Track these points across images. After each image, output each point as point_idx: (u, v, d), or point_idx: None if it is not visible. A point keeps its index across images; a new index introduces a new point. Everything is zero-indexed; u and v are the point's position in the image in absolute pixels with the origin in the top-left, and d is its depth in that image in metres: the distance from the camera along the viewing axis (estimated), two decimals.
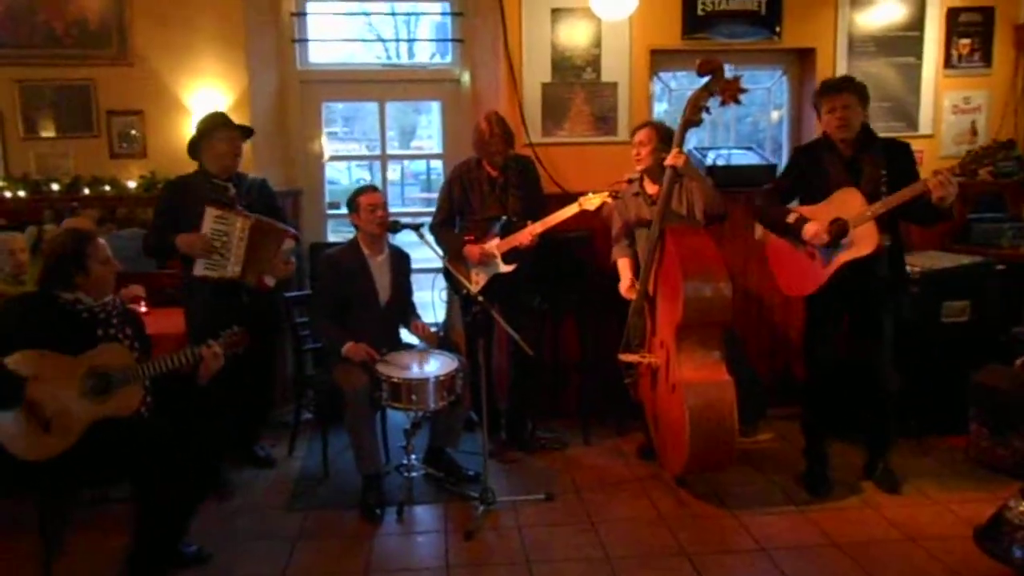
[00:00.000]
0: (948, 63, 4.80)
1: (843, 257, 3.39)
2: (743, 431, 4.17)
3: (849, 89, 3.41)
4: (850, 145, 3.42)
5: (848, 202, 3.34)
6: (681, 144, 3.53)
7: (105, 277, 2.90)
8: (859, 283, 3.41)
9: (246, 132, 3.83)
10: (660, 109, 4.99)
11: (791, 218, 3.53)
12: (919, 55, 4.76)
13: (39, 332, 2.72)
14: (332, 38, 5.13)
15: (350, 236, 3.97)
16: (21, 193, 4.39)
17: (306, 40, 4.88)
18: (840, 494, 3.61)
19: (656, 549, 3.17)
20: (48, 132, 4.48)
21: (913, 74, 4.77)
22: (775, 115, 5.13)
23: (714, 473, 3.66)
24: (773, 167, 4.68)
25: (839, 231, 3.34)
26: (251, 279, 3.65)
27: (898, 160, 3.39)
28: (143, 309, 3.95)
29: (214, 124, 3.71)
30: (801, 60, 4.89)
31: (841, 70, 4.67)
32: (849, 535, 3.24)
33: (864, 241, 3.33)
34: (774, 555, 3.10)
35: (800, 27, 4.67)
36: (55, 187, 4.40)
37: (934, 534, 3.23)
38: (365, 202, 3.76)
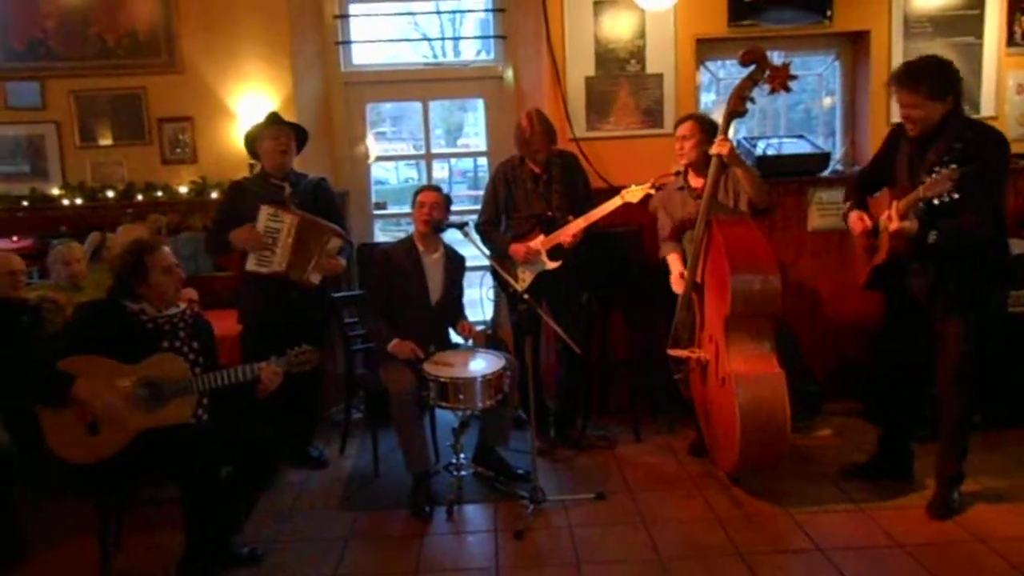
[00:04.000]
0: (1011, 41, 4.59)
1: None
2: (798, 427, 4.09)
3: (907, 86, 3.04)
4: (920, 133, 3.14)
5: (884, 203, 3.22)
6: (726, 133, 3.44)
7: (167, 286, 2.94)
8: (902, 287, 3.28)
9: (298, 131, 3.87)
10: (708, 99, 4.88)
11: (846, 206, 3.45)
12: (979, 34, 4.57)
13: (104, 339, 2.80)
14: (375, 39, 5.14)
15: (399, 236, 3.99)
16: (78, 200, 4.52)
17: (349, 42, 4.91)
18: (902, 492, 3.48)
19: (709, 549, 3.10)
20: (103, 140, 4.62)
21: (974, 54, 4.57)
22: (827, 101, 4.98)
23: (767, 470, 3.55)
24: (826, 155, 4.55)
25: (872, 231, 3.28)
26: (296, 274, 3.69)
27: (973, 152, 2.93)
28: (197, 308, 4.02)
29: (264, 123, 3.80)
30: (854, 43, 4.74)
31: (897, 53, 4.52)
32: (912, 535, 3.12)
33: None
34: (832, 556, 2.99)
35: (852, 9, 4.52)
36: (110, 194, 4.52)
37: (1003, 534, 3.09)
38: (418, 199, 3.82)
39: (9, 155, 4.62)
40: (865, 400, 4.42)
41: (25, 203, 4.54)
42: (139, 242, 2.98)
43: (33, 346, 3.10)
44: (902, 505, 3.38)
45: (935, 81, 3.02)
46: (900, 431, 3.56)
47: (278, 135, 3.77)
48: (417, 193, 3.85)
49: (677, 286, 3.71)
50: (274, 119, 3.83)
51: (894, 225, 3.00)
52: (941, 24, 4.55)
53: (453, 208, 3.98)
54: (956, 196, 2.85)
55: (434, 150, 5.29)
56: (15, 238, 4.47)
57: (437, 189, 3.88)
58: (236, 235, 3.66)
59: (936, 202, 2.88)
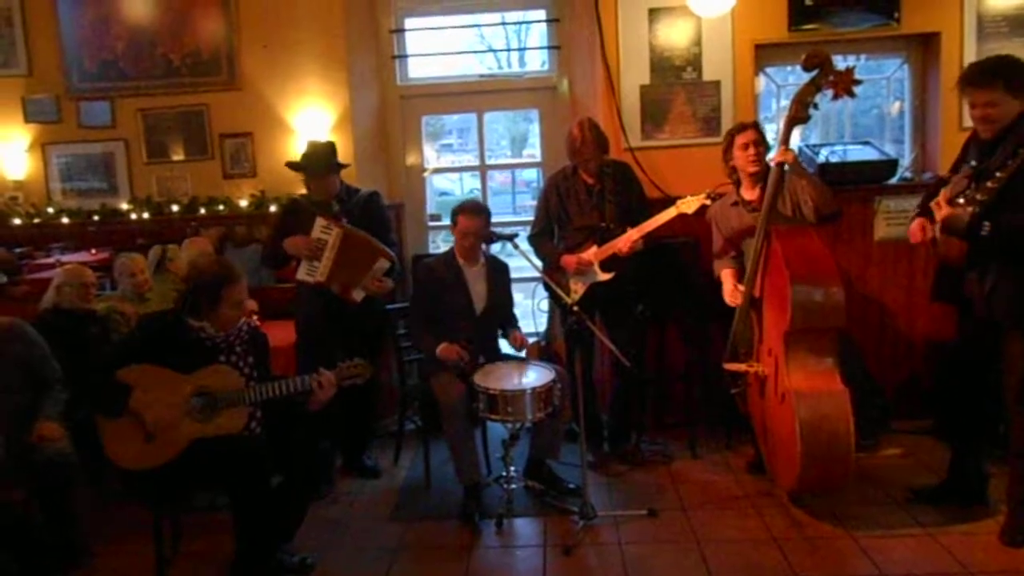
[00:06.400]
0: None
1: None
2: (863, 446, 3.92)
3: (981, 84, 2.88)
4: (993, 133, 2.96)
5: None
6: (787, 142, 3.33)
7: (232, 319, 2.98)
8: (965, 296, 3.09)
9: (337, 170, 3.89)
10: (775, 107, 4.75)
11: (913, 214, 3.27)
12: None
13: (163, 351, 2.87)
14: (430, 52, 5.19)
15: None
16: (145, 215, 4.69)
17: (405, 56, 4.97)
18: (975, 516, 3.29)
19: (766, 572, 2.99)
20: (168, 156, 4.79)
21: None
22: (896, 106, 4.79)
23: (829, 491, 3.41)
24: (894, 162, 4.37)
25: (934, 242, 3.07)
26: (336, 287, 3.73)
27: None
28: (255, 321, 4.10)
29: (307, 169, 3.83)
30: (924, 46, 4.54)
31: (969, 54, 4.30)
32: (984, 563, 2.94)
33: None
34: None
35: (921, 10, 4.33)
36: (175, 208, 4.67)
37: None
38: (461, 224, 3.76)
39: (82, 172, 4.83)
40: (937, 417, 4.21)
41: (96, 217, 4.74)
42: (223, 272, 2.95)
43: (94, 356, 3.21)
44: (974, 531, 3.19)
45: (1012, 76, 2.86)
46: (973, 451, 3.37)
47: (318, 178, 3.82)
48: (459, 213, 3.78)
49: (731, 299, 3.59)
50: (313, 171, 3.82)
51: (943, 211, 2.84)
52: (1017, 22, 4.31)
53: (516, 218, 3.95)
54: (980, 197, 2.76)
55: (498, 160, 5.32)
56: (93, 251, 4.66)
57: (476, 211, 3.77)
58: (289, 242, 3.76)
59: (961, 200, 2.80)
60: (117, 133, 4.77)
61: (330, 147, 3.91)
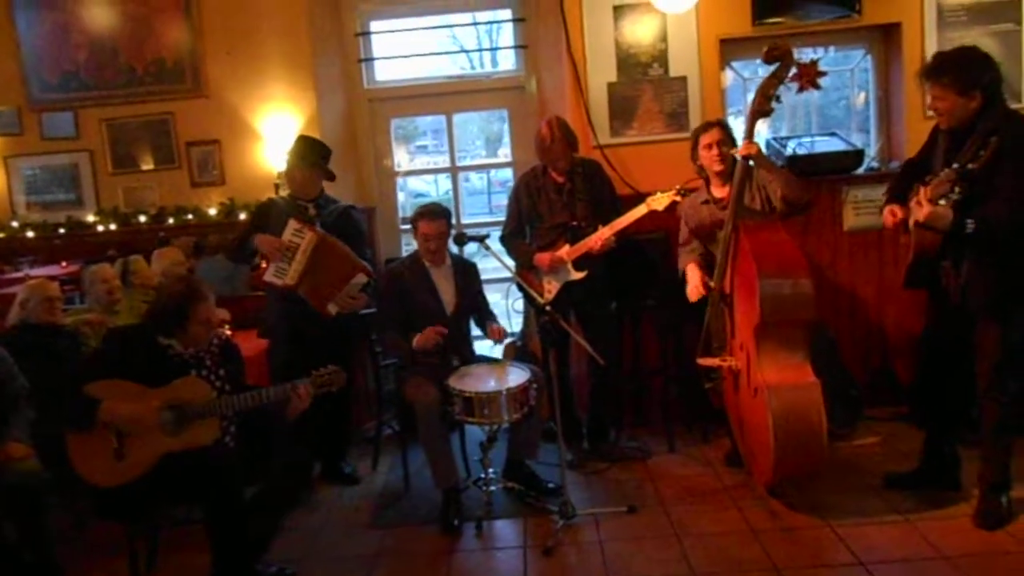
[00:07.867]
0: None
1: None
2: (839, 435, 3.96)
3: (931, 77, 2.95)
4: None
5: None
6: (751, 135, 3.35)
7: (200, 337, 2.94)
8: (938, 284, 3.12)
9: (327, 174, 3.87)
10: (744, 101, 4.77)
11: (884, 201, 3.29)
12: (1018, 20, 4.37)
13: (132, 365, 2.82)
14: (396, 55, 5.16)
15: None
16: (112, 226, 4.63)
17: (371, 59, 4.94)
18: (950, 501, 3.32)
19: (745, 565, 2.99)
20: (134, 166, 4.73)
21: (1013, 41, 4.38)
22: (861, 97, 4.84)
23: (805, 481, 3.43)
24: (860, 152, 4.41)
25: (904, 224, 3.10)
26: (304, 292, 3.66)
27: (1009, 145, 2.78)
28: (227, 332, 4.05)
29: (297, 157, 3.79)
30: (886, 37, 4.59)
31: (930, 45, 4.35)
32: (960, 547, 2.97)
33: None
34: (875, 570, 2.87)
35: (882, 1, 4.36)
36: (142, 219, 4.61)
37: None
38: (421, 229, 3.75)
39: (47, 184, 4.77)
40: (912, 404, 4.26)
41: (62, 231, 4.67)
42: (189, 290, 2.90)
43: (62, 371, 3.16)
44: (948, 515, 3.22)
45: (959, 74, 2.89)
46: (945, 436, 3.41)
47: (305, 170, 3.79)
48: (419, 218, 3.76)
49: (692, 295, 3.60)
50: (312, 161, 3.79)
51: (924, 210, 2.85)
52: (977, 12, 4.37)
53: (493, 219, 3.94)
54: (958, 190, 2.79)
55: (473, 161, 5.29)
56: (63, 264, 4.59)
57: (434, 215, 3.75)
58: (260, 238, 3.68)
59: (943, 202, 2.80)
60: (81, 144, 4.71)
61: (326, 148, 3.87)
